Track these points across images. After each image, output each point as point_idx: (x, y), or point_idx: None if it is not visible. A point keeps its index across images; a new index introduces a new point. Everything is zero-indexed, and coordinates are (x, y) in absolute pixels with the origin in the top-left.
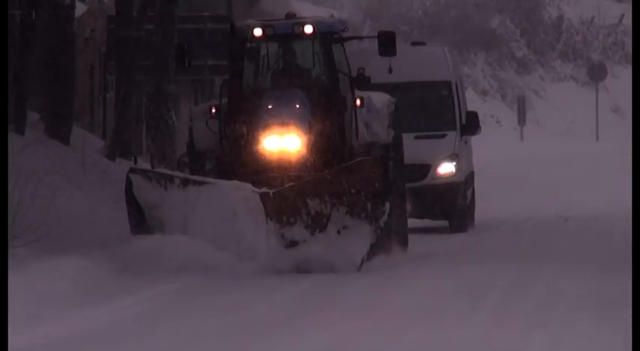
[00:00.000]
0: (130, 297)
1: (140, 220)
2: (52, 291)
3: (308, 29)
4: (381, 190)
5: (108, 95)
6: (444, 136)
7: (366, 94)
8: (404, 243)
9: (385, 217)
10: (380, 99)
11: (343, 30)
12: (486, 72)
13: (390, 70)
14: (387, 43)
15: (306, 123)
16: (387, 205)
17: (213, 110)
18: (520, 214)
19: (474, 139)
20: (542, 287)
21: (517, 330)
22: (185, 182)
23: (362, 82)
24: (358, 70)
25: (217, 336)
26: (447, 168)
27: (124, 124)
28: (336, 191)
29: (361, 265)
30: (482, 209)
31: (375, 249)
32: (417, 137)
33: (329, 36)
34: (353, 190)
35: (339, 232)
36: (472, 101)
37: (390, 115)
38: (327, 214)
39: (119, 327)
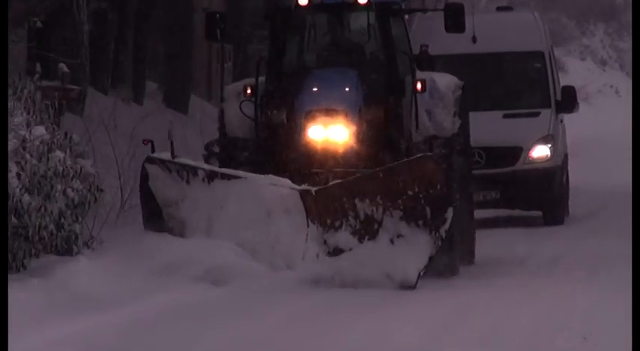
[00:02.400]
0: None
1: (156, 218)
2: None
3: None
4: (444, 193)
5: (225, 65)
6: (537, 114)
7: (428, 75)
8: (470, 254)
9: (447, 226)
10: (445, 81)
11: (404, 0)
12: (605, 42)
13: (474, 40)
14: (454, 17)
15: (357, 110)
16: (450, 212)
17: (249, 91)
18: None
19: (592, 109)
20: None
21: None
22: (211, 176)
23: (424, 61)
24: (421, 46)
25: None
26: (541, 151)
27: None
28: (389, 192)
29: (417, 281)
30: (603, 178)
31: (433, 262)
32: (506, 116)
33: (386, 7)
34: (410, 192)
35: (392, 241)
36: (591, 71)
37: (456, 102)
38: (379, 219)
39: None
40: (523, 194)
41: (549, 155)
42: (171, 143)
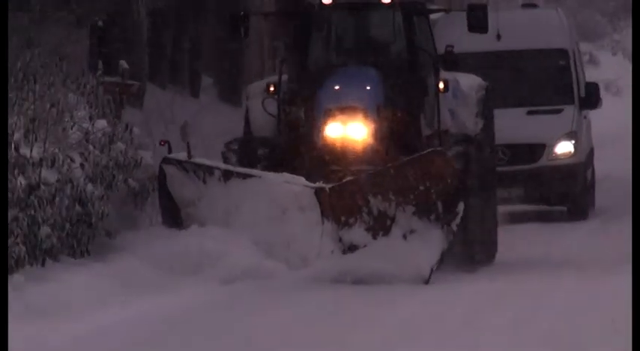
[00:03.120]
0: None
1: (175, 218)
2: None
3: None
4: (455, 187)
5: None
6: (560, 111)
7: (452, 76)
8: (491, 252)
9: (458, 220)
10: (469, 82)
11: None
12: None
13: (499, 37)
14: (477, 17)
15: (375, 108)
16: (461, 206)
17: (272, 88)
18: None
19: (623, 102)
20: None
21: None
22: (227, 175)
23: (449, 62)
24: (446, 47)
25: None
26: (565, 147)
27: None
28: (401, 188)
29: (430, 276)
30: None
31: (445, 257)
32: (529, 113)
33: (411, 6)
34: (422, 187)
35: (404, 236)
36: (622, 66)
37: (479, 102)
38: (392, 215)
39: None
40: (547, 191)
41: (573, 151)
42: (188, 144)
